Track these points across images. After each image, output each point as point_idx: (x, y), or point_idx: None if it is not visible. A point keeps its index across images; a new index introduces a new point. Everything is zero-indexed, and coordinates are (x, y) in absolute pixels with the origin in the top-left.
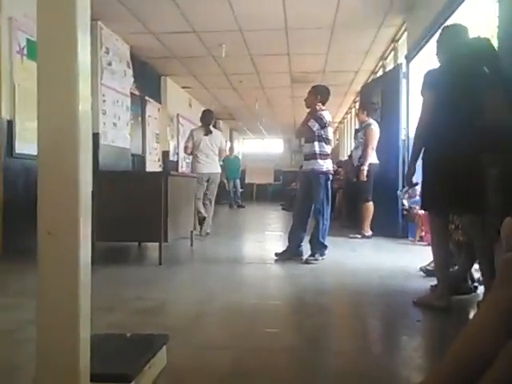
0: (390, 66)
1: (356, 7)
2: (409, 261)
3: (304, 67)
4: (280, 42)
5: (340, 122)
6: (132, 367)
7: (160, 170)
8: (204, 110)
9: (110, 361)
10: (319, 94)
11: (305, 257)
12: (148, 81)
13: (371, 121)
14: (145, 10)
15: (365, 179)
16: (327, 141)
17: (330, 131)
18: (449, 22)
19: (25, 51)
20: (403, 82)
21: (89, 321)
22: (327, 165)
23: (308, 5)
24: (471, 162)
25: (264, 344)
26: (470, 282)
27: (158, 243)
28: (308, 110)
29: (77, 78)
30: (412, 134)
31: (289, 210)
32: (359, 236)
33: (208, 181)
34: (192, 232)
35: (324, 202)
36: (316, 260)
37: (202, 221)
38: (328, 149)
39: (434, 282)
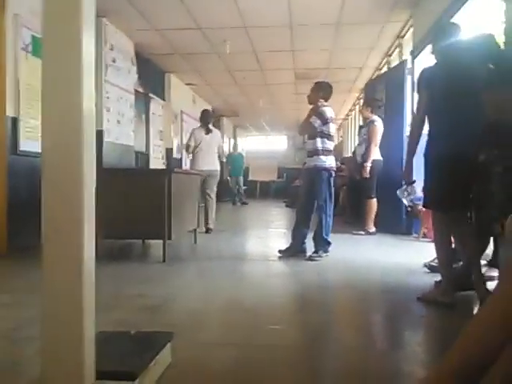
0: (394, 63)
1: (361, 3)
2: (413, 257)
3: (308, 64)
4: (284, 38)
5: (344, 119)
6: (137, 365)
7: (164, 167)
8: (203, 110)
9: (115, 358)
10: (321, 91)
11: (308, 254)
12: (152, 78)
13: (375, 117)
14: (149, 6)
15: (368, 176)
16: (329, 137)
17: (332, 127)
18: (456, 18)
19: (29, 48)
20: (408, 78)
21: (93, 318)
22: (329, 161)
23: (312, 1)
24: (473, 159)
25: (268, 341)
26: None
27: (161, 240)
28: (311, 107)
29: (81, 75)
30: None
31: (292, 207)
32: (363, 232)
33: (207, 177)
34: (195, 229)
35: (327, 198)
36: (320, 257)
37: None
38: (330, 145)
39: (438, 277)
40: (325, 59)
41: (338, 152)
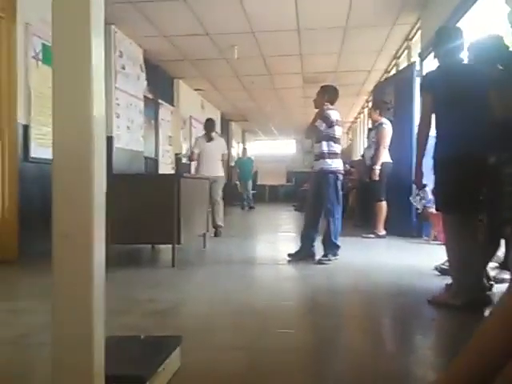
0: (403, 65)
1: (369, 6)
2: (423, 260)
3: (316, 67)
4: (292, 42)
5: (353, 122)
6: (146, 369)
7: (173, 172)
8: (206, 119)
9: (125, 363)
10: (327, 94)
11: (318, 257)
12: (161, 84)
13: (384, 120)
14: (158, 13)
15: (377, 179)
16: (335, 140)
17: (338, 130)
18: (464, 20)
19: (40, 56)
20: (417, 80)
21: (103, 323)
22: (336, 164)
23: (320, 5)
24: (482, 161)
25: (277, 345)
26: (485, 280)
27: (171, 245)
28: (316, 111)
29: (91, 82)
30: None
31: (301, 211)
32: (373, 236)
33: (212, 183)
34: (205, 233)
35: (334, 201)
36: (329, 260)
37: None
38: (337, 148)
39: (449, 280)
40: (333, 63)
41: (347, 155)
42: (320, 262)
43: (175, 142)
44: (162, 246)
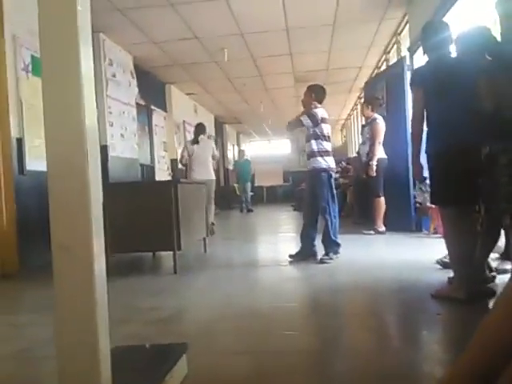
0: (393, 60)
1: (356, 2)
2: (424, 254)
3: (307, 66)
4: (281, 42)
5: (346, 119)
6: (154, 378)
7: (169, 178)
8: (196, 124)
9: (131, 373)
10: (314, 93)
11: (319, 256)
12: (152, 90)
13: (376, 115)
14: (146, 19)
15: (374, 174)
16: (324, 138)
17: (326, 128)
18: (450, 13)
19: (30, 68)
20: (408, 74)
21: (108, 334)
22: (328, 162)
23: (307, 3)
24: (474, 152)
25: (282, 347)
26: (487, 271)
27: (171, 252)
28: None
29: (81, 91)
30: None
31: (300, 211)
32: (373, 232)
33: None
34: (205, 238)
35: (329, 199)
36: (330, 259)
37: None
38: (327, 146)
39: (450, 274)
40: (323, 60)
41: (342, 152)
42: (322, 262)
43: (170, 148)
44: (163, 253)
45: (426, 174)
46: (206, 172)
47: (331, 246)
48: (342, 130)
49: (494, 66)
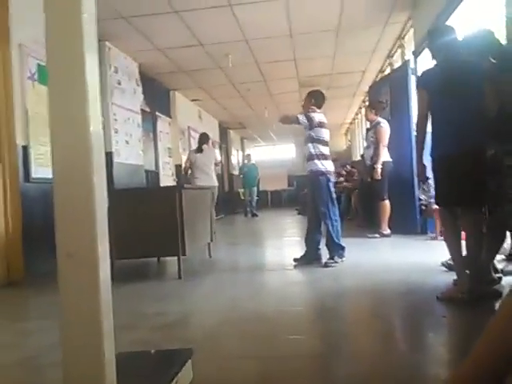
0: (397, 64)
1: (359, 7)
2: (430, 256)
3: (311, 71)
4: (286, 47)
5: (351, 123)
6: None
7: (174, 184)
8: (200, 134)
9: (136, 379)
10: (313, 98)
11: (324, 260)
12: (157, 96)
13: (380, 119)
14: (151, 27)
15: (379, 178)
16: (321, 142)
17: (324, 132)
18: (454, 15)
19: (36, 76)
20: (412, 78)
21: (113, 340)
22: (325, 166)
23: (311, 9)
24: (478, 154)
25: (288, 351)
26: (493, 273)
27: (176, 257)
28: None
29: (86, 99)
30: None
31: (304, 215)
32: (378, 235)
33: None
34: (209, 243)
35: (328, 203)
36: (335, 262)
37: None
38: (325, 150)
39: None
40: (327, 65)
41: (347, 156)
42: (327, 265)
43: (175, 154)
44: (168, 258)
45: (428, 174)
46: (208, 179)
47: (335, 249)
48: (346, 134)
49: (498, 68)
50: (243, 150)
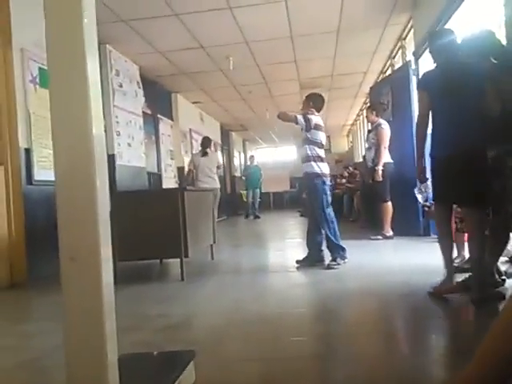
0: (398, 65)
1: (360, 8)
2: (432, 258)
3: (312, 73)
4: (286, 49)
5: (352, 124)
6: None
7: (176, 186)
8: (202, 138)
9: (139, 381)
10: (312, 101)
11: (326, 262)
12: (159, 99)
13: (381, 121)
14: (151, 29)
15: (380, 179)
16: (317, 144)
17: (320, 135)
18: (455, 16)
19: (37, 80)
20: (413, 78)
21: (115, 342)
22: (321, 168)
23: (312, 10)
24: (478, 154)
25: (291, 353)
26: (496, 275)
27: (179, 259)
28: None
29: (88, 102)
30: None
31: (306, 216)
32: (380, 237)
33: None
34: (212, 245)
35: (324, 205)
36: (338, 264)
37: None
38: (320, 152)
39: (459, 278)
40: (328, 67)
41: (348, 158)
42: (329, 267)
43: (177, 156)
44: (171, 260)
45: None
46: (212, 182)
47: (336, 250)
48: (348, 136)
49: (500, 68)
50: (245, 151)
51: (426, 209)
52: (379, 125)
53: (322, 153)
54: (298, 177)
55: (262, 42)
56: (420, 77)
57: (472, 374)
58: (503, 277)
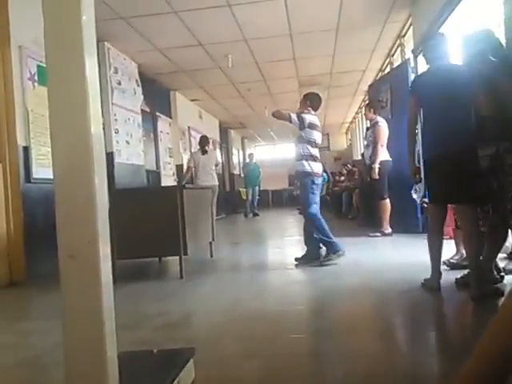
0: (397, 63)
1: (359, 6)
2: None
3: (311, 70)
4: (285, 47)
5: (351, 122)
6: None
7: (175, 183)
8: (200, 136)
9: (139, 379)
10: (309, 100)
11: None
12: (157, 97)
13: (379, 118)
14: (150, 27)
15: (377, 177)
16: (309, 143)
17: (315, 134)
18: (454, 14)
19: (36, 77)
20: (412, 76)
21: (115, 340)
22: (312, 167)
23: (311, 8)
24: (465, 155)
25: (290, 350)
26: (495, 272)
27: (178, 257)
28: None
29: (87, 100)
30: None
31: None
32: (379, 234)
33: None
34: (211, 242)
35: (311, 203)
36: (330, 259)
37: None
38: (314, 151)
39: (458, 275)
40: (327, 64)
41: (347, 155)
42: (322, 264)
43: (175, 154)
44: (170, 258)
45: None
46: (211, 179)
47: (327, 246)
48: (346, 133)
49: (498, 67)
50: (244, 149)
51: (425, 205)
52: (377, 123)
53: (315, 152)
54: None
55: (261, 40)
56: (412, 80)
57: (471, 370)
58: (502, 273)
